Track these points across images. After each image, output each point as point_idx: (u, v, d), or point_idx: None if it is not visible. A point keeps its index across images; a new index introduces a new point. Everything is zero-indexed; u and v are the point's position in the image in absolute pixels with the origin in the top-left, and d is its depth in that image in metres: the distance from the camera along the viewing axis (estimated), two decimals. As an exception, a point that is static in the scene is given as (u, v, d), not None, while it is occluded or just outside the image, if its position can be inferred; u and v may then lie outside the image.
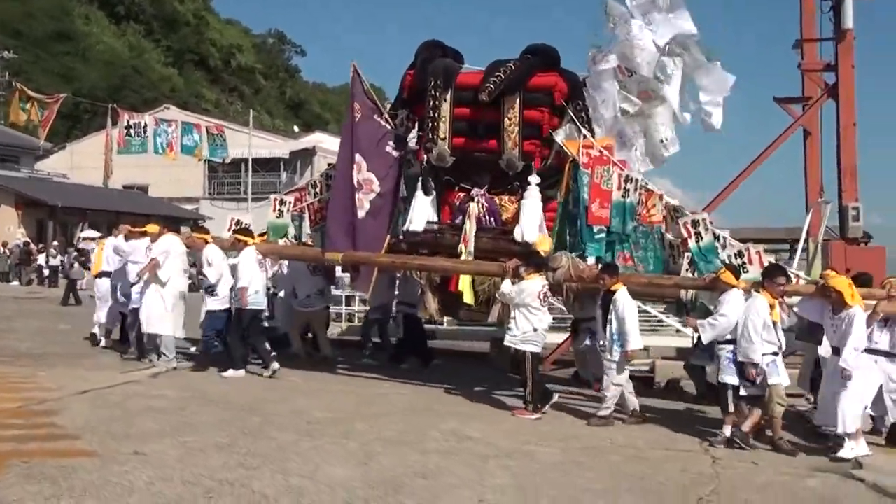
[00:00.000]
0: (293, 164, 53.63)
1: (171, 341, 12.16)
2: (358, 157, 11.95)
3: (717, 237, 10.53)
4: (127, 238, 13.41)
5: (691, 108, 12.50)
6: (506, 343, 10.51)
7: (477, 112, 11.59)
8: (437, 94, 11.56)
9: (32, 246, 36.06)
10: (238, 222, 13.77)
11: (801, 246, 15.26)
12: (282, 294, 14.08)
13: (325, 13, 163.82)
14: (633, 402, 10.23)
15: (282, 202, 13.91)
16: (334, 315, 19.70)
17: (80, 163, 51.32)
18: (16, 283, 33.19)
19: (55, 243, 35.57)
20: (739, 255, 10.35)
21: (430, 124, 11.61)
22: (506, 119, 11.33)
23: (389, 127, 12.09)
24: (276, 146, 55.20)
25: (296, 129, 72.45)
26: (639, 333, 10.05)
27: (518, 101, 11.30)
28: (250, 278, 11.78)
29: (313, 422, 9.05)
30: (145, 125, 19.53)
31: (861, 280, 9.76)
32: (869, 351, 9.19)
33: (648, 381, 13.75)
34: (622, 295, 9.97)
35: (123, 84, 66.61)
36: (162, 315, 11.99)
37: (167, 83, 74.10)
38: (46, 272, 33.26)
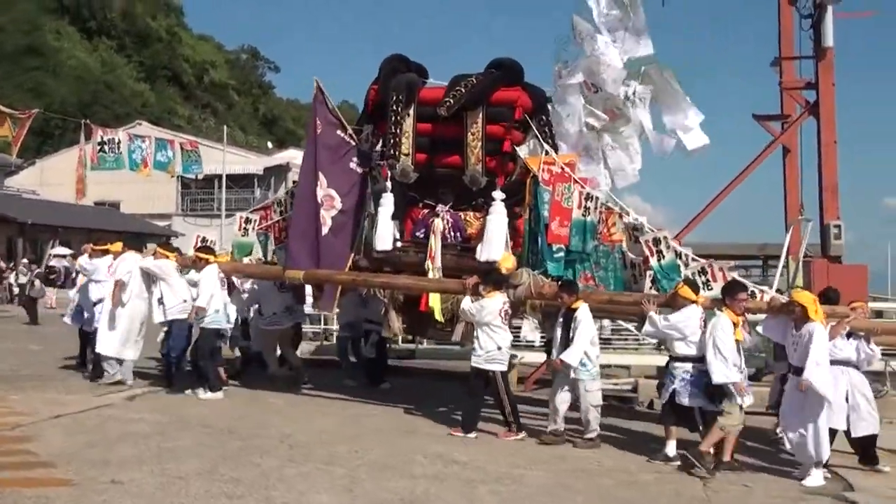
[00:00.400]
0: (267, 181, 53.34)
1: (114, 361, 12.01)
2: (320, 173, 11.74)
3: (679, 255, 10.34)
4: (90, 256, 13.17)
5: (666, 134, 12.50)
6: (472, 364, 10.28)
7: (440, 127, 11.38)
8: (399, 109, 11.33)
9: (2, 264, 35.45)
10: (203, 240, 13.56)
11: (781, 264, 15.25)
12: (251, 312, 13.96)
13: (299, 29, 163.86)
14: (560, 424, 10.02)
15: (247, 220, 13.70)
16: (310, 334, 19.48)
17: (51, 179, 50.68)
18: (-15, 302, 32.60)
19: (24, 261, 35.00)
20: (703, 272, 10.15)
21: (392, 140, 11.39)
22: (469, 134, 11.09)
23: (353, 143, 11.89)
24: (250, 162, 54.85)
25: (269, 145, 72.10)
26: (580, 353, 9.76)
27: (480, 116, 11.07)
28: (209, 297, 11.60)
29: (295, 446, 8.83)
30: (119, 141, 19.20)
31: (828, 295, 9.67)
32: (833, 361, 8.92)
33: (631, 401, 13.67)
34: (583, 312, 9.84)
35: (95, 100, 65.93)
36: (110, 334, 11.91)
37: (139, 99, 73.48)
38: (16, 290, 32.67)
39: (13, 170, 48.33)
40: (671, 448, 9.22)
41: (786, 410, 9.02)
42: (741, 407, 8.92)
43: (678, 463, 8.99)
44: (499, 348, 10.09)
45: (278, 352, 14.01)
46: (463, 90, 11.07)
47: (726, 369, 8.77)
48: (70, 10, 75.40)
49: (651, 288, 10.24)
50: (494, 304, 10.10)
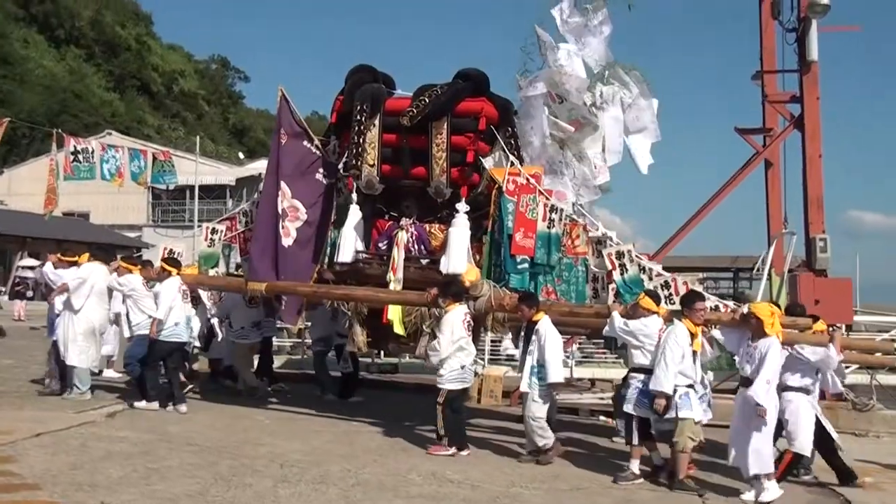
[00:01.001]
0: (239, 192, 52.88)
1: (85, 373, 11.78)
2: (283, 184, 11.51)
3: (642, 268, 10.24)
4: (55, 266, 12.85)
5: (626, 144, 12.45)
6: (438, 385, 10.03)
7: (405, 138, 11.20)
8: (364, 119, 11.12)
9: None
10: (171, 251, 13.34)
11: (764, 276, 15.23)
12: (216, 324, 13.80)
13: (269, 39, 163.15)
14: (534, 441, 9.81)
15: (213, 231, 13.51)
16: (289, 348, 19.27)
17: (18, 189, 50.03)
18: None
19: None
20: (666, 286, 10.03)
21: (356, 150, 11.16)
22: (433, 145, 10.93)
23: (318, 153, 11.68)
24: (222, 173, 54.44)
25: (241, 155, 71.57)
26: (561, 366, 9.66)
27: (445, 126, 10.90)
28: (167, 310, 11.33)
29: (287, 465, 8.61)
30: (93, 151, 18.87)
31: (794, 310, 9.63)
32: (794, 389, 8.94)
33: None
34: (545, 325, 9.65)
35: (63, 109, 65.03)
36: (72, 345, 11.65)
37: (108, 108, 72.60)
38: (-16, 302, 32.12)
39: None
40: (656, 457, 9.09)
41: (735, 424, 8.70)
42: (693, 422, 8.71)
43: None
44: (462, 367, 9.94)
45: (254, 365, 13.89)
46: (427, 100, 10.92)
47: (664, 379, 8.59)
48: (38, 19, 74.46)
49: (614, 302, 10.13)
50: (456, 315, 9.93)
